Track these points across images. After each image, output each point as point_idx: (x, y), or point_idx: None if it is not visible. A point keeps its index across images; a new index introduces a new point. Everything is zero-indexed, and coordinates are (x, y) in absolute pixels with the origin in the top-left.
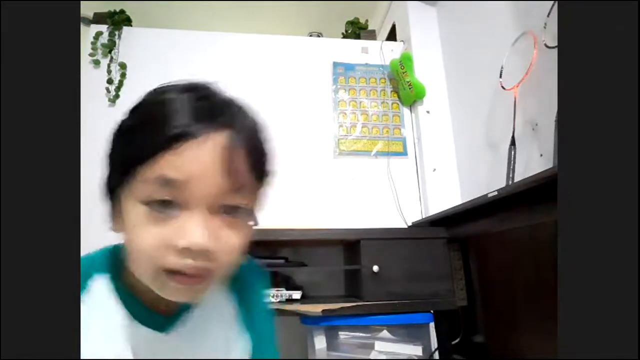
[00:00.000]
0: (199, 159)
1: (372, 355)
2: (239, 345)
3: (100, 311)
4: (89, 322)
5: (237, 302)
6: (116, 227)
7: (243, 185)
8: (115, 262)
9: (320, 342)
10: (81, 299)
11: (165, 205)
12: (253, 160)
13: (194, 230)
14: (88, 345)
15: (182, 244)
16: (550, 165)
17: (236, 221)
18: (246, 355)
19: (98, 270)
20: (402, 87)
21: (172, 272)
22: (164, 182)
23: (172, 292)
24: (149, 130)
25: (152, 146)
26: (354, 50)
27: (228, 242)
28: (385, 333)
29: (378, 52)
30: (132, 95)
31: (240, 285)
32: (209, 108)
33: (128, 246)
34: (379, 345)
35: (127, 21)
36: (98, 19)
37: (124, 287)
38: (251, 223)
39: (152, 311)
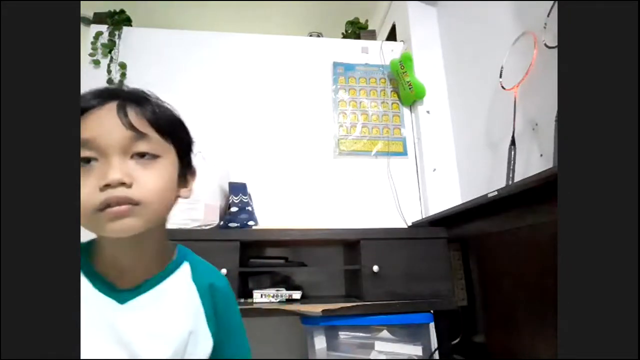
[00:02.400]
0: (99, 120)
1: (372, 355)
2: (201, 341)
3: None
4: None
5: (201, 297)
6: None
7: (142, 134)
8: (85, 246)
9: (320, 342)
10: None
11: (88, 161)
12: (146, 115)
13: (109, 170)
14: None
15: (102, 182)
16: (550, 165)
17: (148, 163)
18: (205, 354)
19: None
20: (402, 87)
21: (103, 209)
22: (82, 143)
23: (110, 228)
24: None
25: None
26: (354, 50)
27: (143, 179)
28: (385, 333)
29: (378, 52)
30: None
31: (204, 282)
32: (103, 90)
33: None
34: (379, 345)
35: (127, 21)
36: (98, 19)
37: (89, 265)
38: (166, 169)
39: (113, 285)
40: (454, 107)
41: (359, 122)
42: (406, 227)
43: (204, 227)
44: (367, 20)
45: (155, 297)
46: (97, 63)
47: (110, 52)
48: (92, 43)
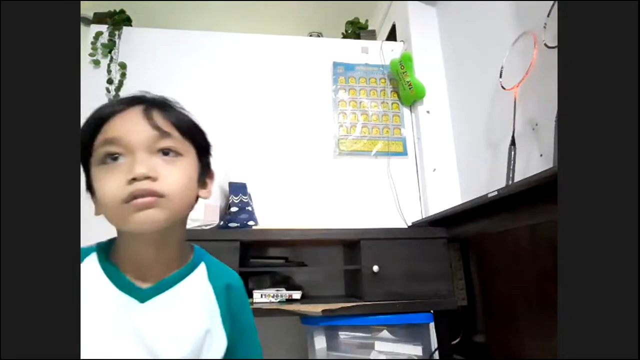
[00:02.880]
0: (126, 121)
1: (372, 355)
2: (216, 340)
3: (90, 283)
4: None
5: (217, 297)
6: (97, 209)
7: (166, 133)
8: (104, 246)
9: (320, 342)
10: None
11: (113, 158)
12: (169, 118)
13: (136, 165)
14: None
15: (129, 176)
16: (550, 165)
17: (172, 160)
18: (219, 354)
19: (87, 254)
20: (402, 87)
21: (129, 201)
22: (108, 141)
23: (135, 220)
24: (96, 118)
25: (96, 124)
26: (354, 50)
27: (167, 173)
28: (385, 333)
29: (378, 52)
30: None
31: (220, 282)
32: (129, 97)
33: (100, 206)
34: (379, 345)
35: (127, 21)
36: (98, 19)
37: (110, 264)
38: (188, 167)
39: (133, 283)
40: (454, 107)
41: (359, 122)
42: (406, 227)
43: (204, 227)
44: (367, 20)
45: (174, 296)
46: (97, 63)
47: (110, 52)
48: (92, 43)
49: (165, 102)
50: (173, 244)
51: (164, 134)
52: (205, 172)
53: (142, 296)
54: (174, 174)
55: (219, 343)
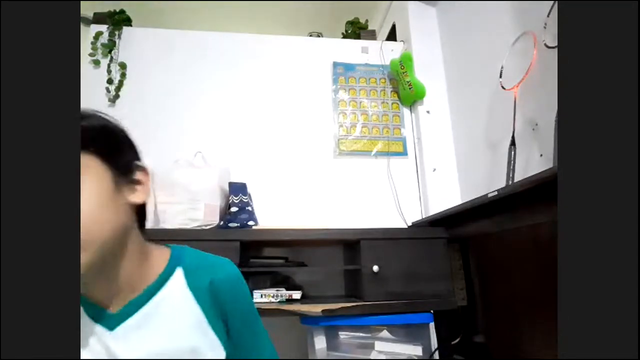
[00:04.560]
0: None
1: (372, 355)
2: (206, 352)
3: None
4: None
5: (200, 302)
6: None
7: None
8: None
9: (320, 342)
10: None
11: None
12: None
13: None
14: None
15: None
16: (550, 165)
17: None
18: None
19: None
20: (402, 87)
21: None
22: None
23: None
24: None
25: None
26: (354, 50)
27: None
28: (385, 333)
29: (378, 52)
30: (132, 95)
31: (201, 283)
32: None
33: None
34: (379, 345)
35: (127, 21)
36: (98, 19)
37: (84, 291)
38: (89, 189)
39: (105, 310)
40: (454, 107)
41: (359, 122)
42: (406, 227)
43: (204, 227)
44: (367, 20)
45: (145, 317)
46: (97, 63)
47: (110, 52)
48: (92, 43)
49: None
50: (125, 266)
51: None
52: (126, 175)
53: (111, 323)
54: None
55: (213, 353)
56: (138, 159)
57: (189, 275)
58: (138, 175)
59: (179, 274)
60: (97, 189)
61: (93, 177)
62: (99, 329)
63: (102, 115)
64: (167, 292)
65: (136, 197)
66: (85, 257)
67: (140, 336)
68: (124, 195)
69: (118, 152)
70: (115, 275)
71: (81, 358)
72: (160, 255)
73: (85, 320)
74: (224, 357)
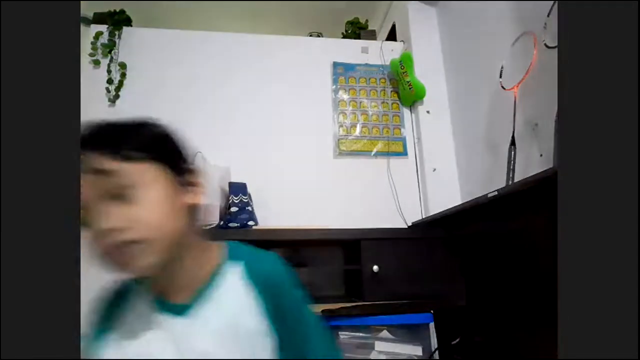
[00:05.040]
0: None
1: (372, 355)
2: (263, 339)
3: (132, 306)
4: (124, 314)
5: (258, 294)
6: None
7: (109, 172)
8: None
9: None
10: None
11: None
12: (109, 150)
13: (97, 220)
14: (121, 333)
15: (95, 234)
16: (550, 165)
17: (130, 198)
18: (267, 353)
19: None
20: (402, 87)
21: (110, 254)
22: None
23: (127, 271)
24: None
25: None
26: (354, 50)
27: (133, 216)
28: (385, 333)
29: (378, 52)
30: (132, 95)
31: (260, 277)
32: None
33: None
34: (379, 346)
35: (127, 21)
36: (98, 19)
37: (149, 290)
38: (152, 194)
39: (170, 302)
40: (454, 107)
41: (359, 122)
42: (406, 227)
43: (204, 227)
44: (367, 20)
45: (209, 306)
46: (97, 63)
47: (110, 52)
48: (92, 43)
49: (104, 132)
50: (186, 261)
51: (108, 174)
52: (182, 178)
53: (181, 311)
54: (139, 212)
55: (267, 339)
56: (190, 161)
57: (246, 268)
58: (192, 177)
59: (237, 267)
60: (159, 194)
61: (155, 183)
62: (163, 317)
63: (158, 123)
64: (228, 283)
65: (192, 198)
66: (152, 258)
67: (204, 322)
68: (182, 197)
69: (175, 157)
70: (178, 270)
71: (146, 344)
72: (218, 250)
73: (148, 308)
74: (276, 344)
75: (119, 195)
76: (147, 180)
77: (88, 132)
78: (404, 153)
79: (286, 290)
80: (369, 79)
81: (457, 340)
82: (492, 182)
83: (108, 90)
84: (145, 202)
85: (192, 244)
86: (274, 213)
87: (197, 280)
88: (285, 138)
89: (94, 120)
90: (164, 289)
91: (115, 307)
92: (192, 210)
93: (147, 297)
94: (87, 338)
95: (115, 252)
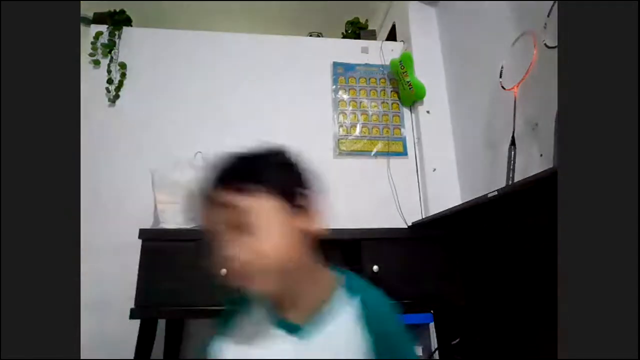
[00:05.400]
0: (203, 211)
1: None
2: None
3: (251, 316)
4: (243, 322)
5: (369, 335)
6: None
7: (227, 205)
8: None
9: None
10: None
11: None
12: (225, 185)
13: (220, 248)
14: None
15: (220, 259)
16: (550, 165)
17: (246, 228)
18: None
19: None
20: (402, 87)
21: (234, 276)
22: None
23: (250, 292)
24: None
25: None
26: (354, 50)
27: (249, 245)
28: None
29: (378, 52)
30: (132, 95)
31: (374, 318)
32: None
33: None
34: None
35: (127, 21)
36: (98, 19)
37: (270, 309)
38: (265, 224)
39: (282, 317)
40: (454, 107)
41: (359, 122)
42: (406, 227)
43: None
44: (367, 20)
45: (323, 334)
46: (97, 63)
47: (110, 52)
48: (92, 43)
49: (224, 168)
50: (302, 284)
51: (228, 209)
52: (296, 204)
53: (295, 331)
54: (257, 242)
55: None
56: (307, 186)
57: (361, 305)
58: (305, 202)
59: (353, 301)
60: (275, 225)
61: (272, 215)
62: (278, 331)
63: (278, 151)
64: (342, 317)
65: (305, 224)
66: (269, 282)
67: (314, 348)
68: (297, 224)
69: (291, 185)
70: (294, 291)
71: (259, 352)
72: (332, 276)
73: (265, 320)
74: None
75: (240, 226)
76: (264, 213)
77: (216, 165)
78: (404, 153)
79: (397, 338)
80: (369, 79)
81: (457, 340)
82: (492, 182)
83: (108, 90)
84: (263, 234)
85: (307, 268)
86: None
87: (311, 303)
88: (286, 138)
89: (222, 154)
90: (280, 305)
91: (236, 314)
92: (307, 235)
93: (264, 310)
94: (209, 340)
95: (237, 275)
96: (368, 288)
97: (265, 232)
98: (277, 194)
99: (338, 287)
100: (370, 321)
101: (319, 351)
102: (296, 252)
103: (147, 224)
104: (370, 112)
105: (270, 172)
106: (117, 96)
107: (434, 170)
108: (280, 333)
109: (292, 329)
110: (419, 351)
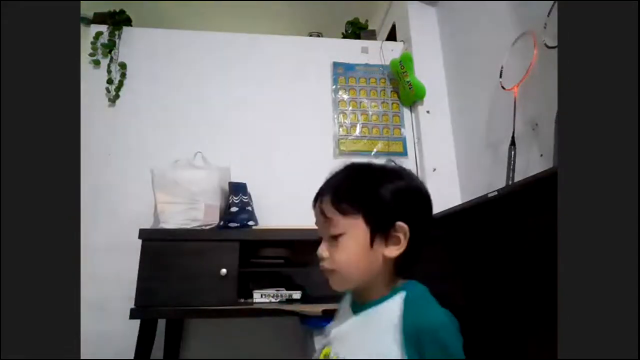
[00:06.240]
0: (315, 215)
1: None
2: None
3: (344, 304)
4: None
5: (404, 334)
6: None
7: (328, 219)
8: None
9: (320, 343)
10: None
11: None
12: (331, 201)
13: (319, 249)
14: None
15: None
16: (550, 165)
17: (337, 241)
18: None
19: None
20: (402, 87)
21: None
22: None
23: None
24: None
25: None
26: (354, 50)
27: (334, 254)
28: None
29: (378, 52)
30: (132, 95)
31: (410, 321)
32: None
33: None
34: None
35: (127, 21)
36: (98, 19)
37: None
38: (349, 243)
39: (355, 301)
40: (454, 107)
41: (359, 122)
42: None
43: (204, 227)
44: (367, 20)
45: (368, 315)
46: (97, 63)
47: (110, 52)
48: (92, 43)
49: (334, 184)
50: (368, 287)
51: (328, 220)
52: (384, 233)
53: (355, 309)
54: (337, 254)
55: None
56: (408, 218)
57: (405, 306)
58: (396, 233)
59: (398, 298)
60: (356, 243)
61: (358, 235)
62: (351, 313)
63: (395, 176)
64: (386, 304)
65: (390, 252)
66: (343, 285)
67: (362, 326)
68: (379, 250)
69: (381, 214)
70: (367, 290)
71: (337, 330)
72: (398, 282)
73: (348, 306)
74: None
75: (332, 236)
76: (352, 235)
77: (336, 174)
78: (404, 153)
79: (427, 332)
80: (369, 79)
81: None
82: (492, 182)
83: (108, 90)
84: (346, 248)
85: (379, 280)
86: (274, 213)
87: (375, 296)
88: (286, 138)
89: (337, 170)
90: (356, 294)
91: (342, 297)
92: (389, 260)
93: (349, 298)
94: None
95: (323, 272)
96: (416, 288)
97: (347, 250)
98: (370, 221)
99: (400, 289)
100: (406, 311)
101: (360, 324)
102: (369, 272)
103: (147, 224)
104: (370, 112)
105: (372, 200)
106: (117, 96)
107: (434, 170)
108: (350, 313)
109: (357, 310)
110: None
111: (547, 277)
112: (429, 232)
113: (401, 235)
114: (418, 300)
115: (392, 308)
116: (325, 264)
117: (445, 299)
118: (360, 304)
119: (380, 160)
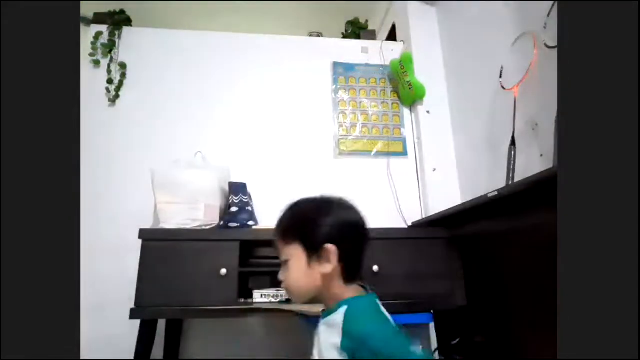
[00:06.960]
0: None
1: None
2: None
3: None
4: None
5: (342, 338)
6: None
7: (277, 247)
8: None
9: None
10: None
11: None
12: (279, 232)
13: (279, 273)
14: None
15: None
16: (550, 165)
17: (286, 266)
18: None
19: None
20: (402, 87)
21: None
22: None
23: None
24: None
25: None
26: (354, 50)
27: (286, 277)
28: None
29: (378, 52)
30: (132, 95)
31: (349, 328)
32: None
33: None
34: None
35: (127, 21)
36: (98, 19)
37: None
38: (293, 267)
39: (325, 309)
40: (454, 107)
41: (359, 122)
42: (406, 227)
43: (204, 227)
44: (367, 20)
45: (329, 322)
46: (97, 63)
47: (110, 52)
48: (92, 43)
49: (281, 220)
50: (322, 297)
51: (279, 250)
52: (316, 253)
53: (323, 314)
54: (288, 275)
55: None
56: (337, 241)
57: (345, 317)
58: (326, 252)
59: (342, 311)
60: (298, 265)
61: (297, 257)
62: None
63: (328, 208)
64: (335, 315)
65: (324, 269)
66: (298, 299)
67: (323, 329)
68: (316, 268)
69: (312, 239)
70: (323, 298)
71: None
72: (353, 290)
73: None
74: None
75: (283, 261)
76: (294, 259)
77: (285, 211)
78: (404, 153)
79: (361, 337)
80: (369, 79)
81: (457, 340)
82: (492, 182)
83: (108, 90)
84: (292, 270)
85: (329, 288)
86: (274, 213)
87: (332, 303)
88: (286, 138)
89: (286, 209)
90: (324, 304)
91: None
92: (328, 275)
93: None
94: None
95: (285, 290)
96: (358, 302)
97: (292, 271)
98: (305, 246)
99: (344, 302)
100: (345, 324)
101: (324, 328)
102: (313, 287)
103: (147, 224)
104: (370, 112)
105: (305, 228)
106: (117, 96)
107: (434, 170)
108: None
109: (324, 315)
110: (418, 351)
111: (547, 276)
112: (361, 249)
113: (331, 255)
114: (355, 313)
115: (337, 321)
116: (283, 284)
117: (445, 298)
118: (325, 311)
119: (380, 160)
